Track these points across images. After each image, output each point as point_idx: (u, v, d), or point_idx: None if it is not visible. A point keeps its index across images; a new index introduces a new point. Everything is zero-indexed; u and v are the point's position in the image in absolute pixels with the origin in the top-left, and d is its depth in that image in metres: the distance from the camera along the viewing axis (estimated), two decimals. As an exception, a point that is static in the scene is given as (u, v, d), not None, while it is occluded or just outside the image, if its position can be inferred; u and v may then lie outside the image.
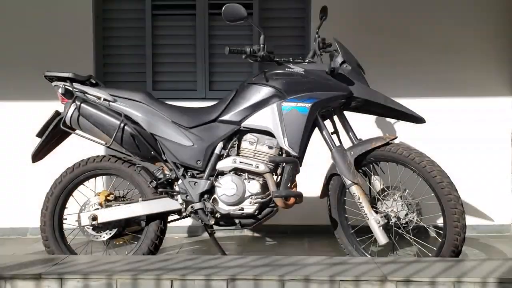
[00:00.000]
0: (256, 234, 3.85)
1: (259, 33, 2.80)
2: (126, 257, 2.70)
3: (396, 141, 2.77)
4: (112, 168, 2.93)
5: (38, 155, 2.98)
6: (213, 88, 3.96)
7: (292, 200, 2.74)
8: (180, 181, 2.85)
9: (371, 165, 2.78)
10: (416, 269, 2.28)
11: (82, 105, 2.86)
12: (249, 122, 2.80)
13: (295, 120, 2.73)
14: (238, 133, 2.85)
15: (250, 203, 2.77)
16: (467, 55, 3.82)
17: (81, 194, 2.97)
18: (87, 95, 2.89)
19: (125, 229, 2.93)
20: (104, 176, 3.02)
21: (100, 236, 2.89)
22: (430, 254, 2.73)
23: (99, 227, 2.88)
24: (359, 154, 2.72)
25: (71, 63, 3.66)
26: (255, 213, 2.78)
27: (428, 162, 2.63)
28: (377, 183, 2.77)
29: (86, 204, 2.91)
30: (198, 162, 2.84)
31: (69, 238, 2.98)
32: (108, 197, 2.89)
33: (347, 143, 2.84)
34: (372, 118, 3.71)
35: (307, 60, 2.95)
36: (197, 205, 2.80)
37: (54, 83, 2.94)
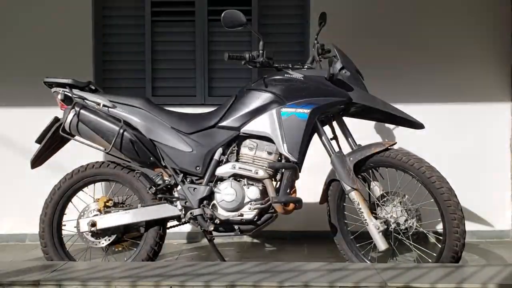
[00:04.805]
0: (255, 240, 3.84)
1: (258, 39, 2.80)
2: (125, 264, 2.69)
3: (395, 146, 2.77)
4: (111, 174, 2.92)
5: (37, 161, 2.97)
6: (212, 94, 3.96)
7: (291, 206, 2.74)
8: (179, 187, 2.85)
9: (370, 171, 2.78)
10: (416, 275, 2.28)
11: (81, 111, 2.86)
12: (248, 128, 2.80)
13: (295, 126, 2.73)
14: (237, 139, 2.85)
15: (250, 209, 2.76)
16: (467, 61, 3.83)
17: (80, 200, 2.97)
18: (86, 101, 2.89)
19: (124, 235, 2.92)
20: (103, 182, 3.01)
21: (99, 242, 2.88)
22: (430, 260, 2.72)
23: (98, 233, 2.87)
24: (358, 160, 2.72)
25: (70, 69, 3.67)
26: (255, 219, 2.77)
27: (427, 167, 2.63)
28: (377, 189, 2.77)
29: (85, 210, 2.90)
30: (198, 168, 2.84)
31: (68, 245, 2.97)
32: (107, 203, 2.89)
33: (346, 149, 2.84)
34: (371, 123, 3.72)
35: (306, 66, 2.96)
36: (196, 211, 2.79)
37: (53, 89, 2.94)
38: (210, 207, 2.80)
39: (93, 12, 3.89)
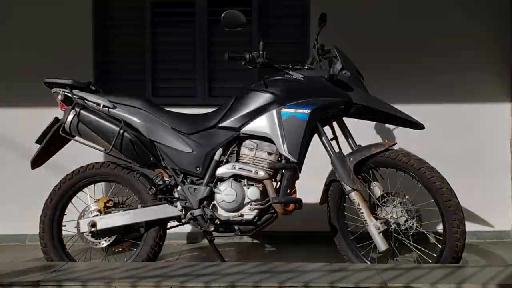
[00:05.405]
0: (255, 241, 3.84)
1: (258, 39, 2.80)
2: (125, 264, 2.69)
3: (395, 147, 2.77)
4: (111, 175, 2.92)
5: (38, 161, 2.97)
6: (212, 95, 3.96)
7: (291, 206, 2.74)
8: (179, 188, 2.85)
9: (370, 171, 2.78)
10: (416, 276, 2.28)
11: (82, 111, 2.86)
12: (249, 128, 2.80)
13: (295, 126, 2.73)
14: (238, 140, 2.85)
15: (250, 209, 2.76)
16: (466, 62, 3.83)
17: (80, 200, 2.97)
18: (86, 101, 2.89)
19: (124, 235, 2.92)
20: (103, 183, 3.01)
21: (99, 243, 2.88)
22: (430, 261, 2.72)
23: (98, 234, 2.87)
24: (358, 160, 2.72)
25: (70, 70, 3.67)
26: (255, 220, 2.77)
27: (427, 168, 2.63)
28: (377, 189, 2.77)
29: (85, 211, 2.90)
30: (198, 169, 2.84)
31: (68, 245, 2.97)
32: (107, 204, 2.89)
33: (346, 149, 2.84)
34: (371, 124, 3.72)
35: (306, 67, 2.96)
36: (197, 212, 2.79)
37: (53, 90, 2.94)
38: (210, 207, 2.80)
39: (93, 12, 3.89)
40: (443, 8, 3.84)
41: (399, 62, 3.81)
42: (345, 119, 2.91)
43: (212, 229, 2.79)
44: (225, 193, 2.77)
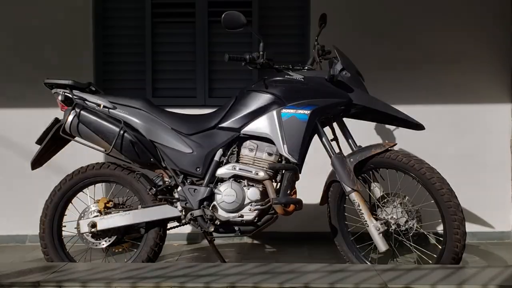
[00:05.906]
0: (255, 241, 3.84)
1: (259, 40, 2.80)
2: (125, 265, 2.69)
3: (395, 148, 2.77)
4: (111, 175, 2.93)
5: (38, 162, 2.98)
6: (212, 95, 3.96)
7: (291, 207, 2.74)
8: (179, 188, 2.85)
9: (370, 172, 2.78)
10: (416, 276, 2.28)
11: (82, 112, 2.86)
12: (249, 129, 2.80)
13: (295, 127, 2.73)
14: (238, 140, 2.85)
15: (250, 210, 2.77)
16: (467, 62, 3.83)
17: (81, 201, 2.97)
18: (86, 102, 2.89)
19: (124, 236, 2.93)
20: (103, 183, 3.02)
21: (99, 243, 2.89)
22: (430, 261, 2.72)
23: (98, 235, 2.87)
24: (358, 161, 2.72)
25: (70, 70, 3.68)
26: (255, 220, 2.77)
27: (427, 169, 2.63)
28: (377, 190, 2.77)
29: (85, 212, 2.90)
30: (198, 169, 2.84)
31: (68, 246, 2.98)
32: (107, 204, 2.89)
33: (346, 150, 2.84)
34: (371, 125, 3.72)
35: (306, 67, 2.96)
36: (197, 212, 2.79)
37: (53, 90, 2.94)
38: (210, 208, 2.80)
39: (93, 13, 3.89)
40: (444, 9, 3.84)
41: (399, 63, 3.81)
42: (345, 119, 2.91)
43: (212, 229, 2.79)
44: (225, 193, 2.77)
